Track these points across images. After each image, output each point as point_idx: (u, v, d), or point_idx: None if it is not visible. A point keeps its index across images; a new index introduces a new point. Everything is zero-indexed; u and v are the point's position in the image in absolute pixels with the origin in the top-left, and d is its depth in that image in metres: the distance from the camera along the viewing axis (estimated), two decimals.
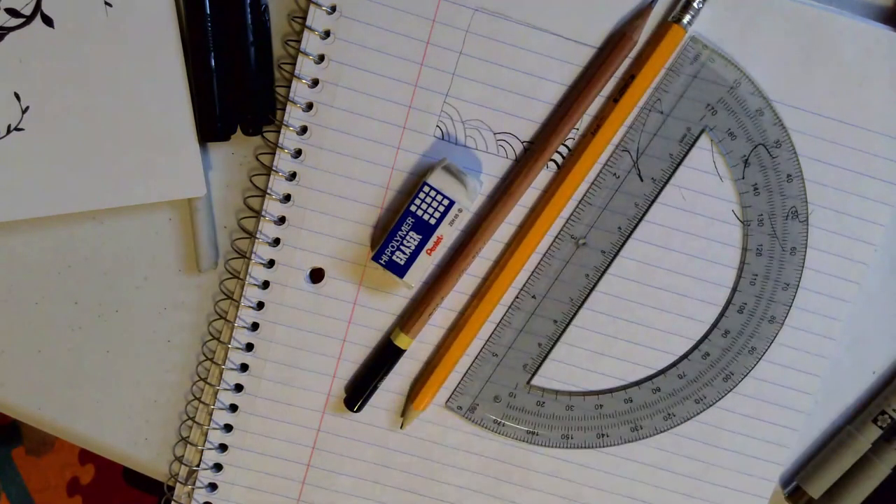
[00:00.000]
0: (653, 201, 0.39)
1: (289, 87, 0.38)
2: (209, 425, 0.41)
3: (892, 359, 0.41)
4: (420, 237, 0.37)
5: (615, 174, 0.39)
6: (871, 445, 0.40)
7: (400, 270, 0.37)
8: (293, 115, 0.38)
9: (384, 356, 0.40)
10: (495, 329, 0.40)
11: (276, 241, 0.39)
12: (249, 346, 0.40)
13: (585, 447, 0.41)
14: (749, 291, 0.40)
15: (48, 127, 0.38)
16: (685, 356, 0.40)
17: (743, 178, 0.39)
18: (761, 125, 0.38)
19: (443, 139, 0.39)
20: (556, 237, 0.39)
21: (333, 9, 0.38)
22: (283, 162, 0.39)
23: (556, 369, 0.40)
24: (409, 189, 0.39)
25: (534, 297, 0.40)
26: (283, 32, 0.39)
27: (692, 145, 0.39)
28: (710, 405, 0.41)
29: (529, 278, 0.40)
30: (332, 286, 0.40)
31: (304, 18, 0.38)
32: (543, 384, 0.41)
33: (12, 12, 0.37)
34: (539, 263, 0.39)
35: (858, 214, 0.39)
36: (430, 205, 0.37)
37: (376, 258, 0.37)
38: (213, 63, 0.38)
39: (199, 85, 0.38)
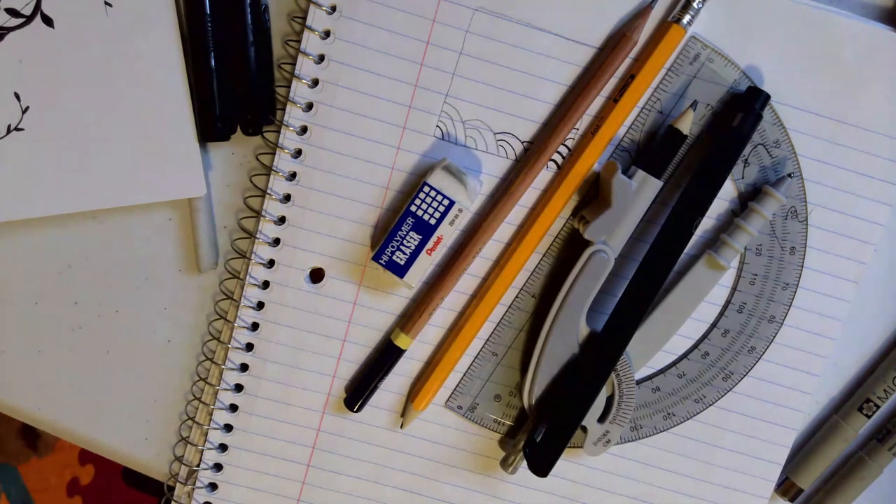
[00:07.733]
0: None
1: (289, 87, 0.38)
2: (209, 425, 0.41)
3: (879, 347, 0.41)
4: (420, 237, 0.37)
5: None
6: (857, 434, 0.41)
7: (400, 270, 0.37)
8: (293, 115, 0.38)
9: (384, 356, 0.40)
10: (495, 329, 0.40)
11: (276, 241, 0.39)
12: (249, 346, 0.40)
13: None
14: (749, 291, 0.40)
15: (48, 127, 0.38)
16: (685, 355, 0.40)
17: (743, 177, 0.39)
18: (761, 125, 0.38)
19: (443, 139, 0.39)
20: (556, 238, 0.39)
21: (333, 9, 0.38)
22: (283, 162, 0.39)
23: None
24: (409, 189, 0.39)
25: (534, 296, 0.40)
26: (283, 32, 0.39)
27: (692, 145, 0.39)
28: (710, 405, 0.41)
29: (529, 278, 0.40)
30: (332, 286, 0.40)
31: (304, 18, 0.38)
32: None
33: (12, 12, 0.37)
34: (539, 263, 0.39)
35: (858, 214, 0.39)
36: (430, 205, 0.37)
37: (376, 258, 0.37)
38: (213, 63, 0.38)
39: (199, 85, 0.38)
